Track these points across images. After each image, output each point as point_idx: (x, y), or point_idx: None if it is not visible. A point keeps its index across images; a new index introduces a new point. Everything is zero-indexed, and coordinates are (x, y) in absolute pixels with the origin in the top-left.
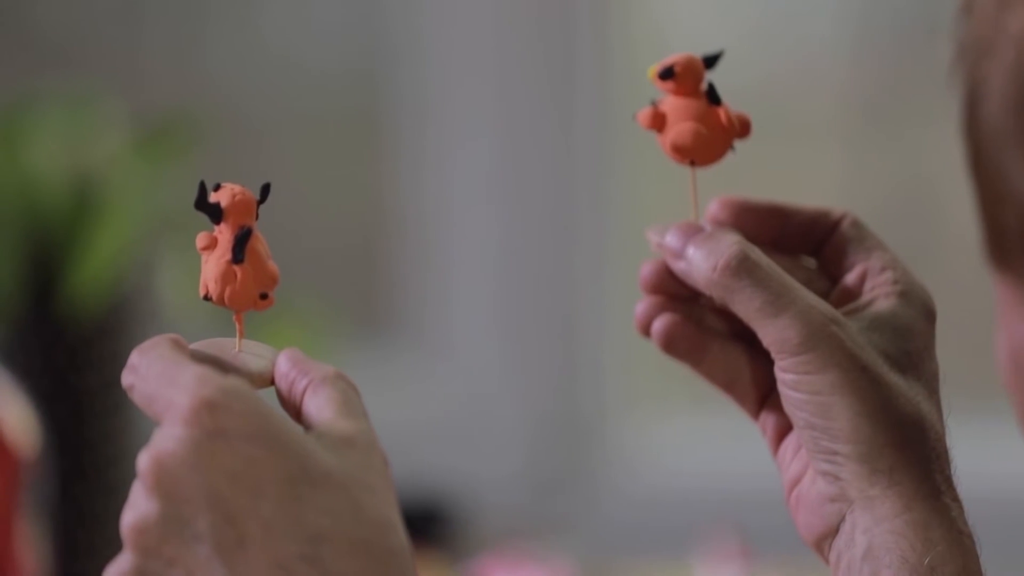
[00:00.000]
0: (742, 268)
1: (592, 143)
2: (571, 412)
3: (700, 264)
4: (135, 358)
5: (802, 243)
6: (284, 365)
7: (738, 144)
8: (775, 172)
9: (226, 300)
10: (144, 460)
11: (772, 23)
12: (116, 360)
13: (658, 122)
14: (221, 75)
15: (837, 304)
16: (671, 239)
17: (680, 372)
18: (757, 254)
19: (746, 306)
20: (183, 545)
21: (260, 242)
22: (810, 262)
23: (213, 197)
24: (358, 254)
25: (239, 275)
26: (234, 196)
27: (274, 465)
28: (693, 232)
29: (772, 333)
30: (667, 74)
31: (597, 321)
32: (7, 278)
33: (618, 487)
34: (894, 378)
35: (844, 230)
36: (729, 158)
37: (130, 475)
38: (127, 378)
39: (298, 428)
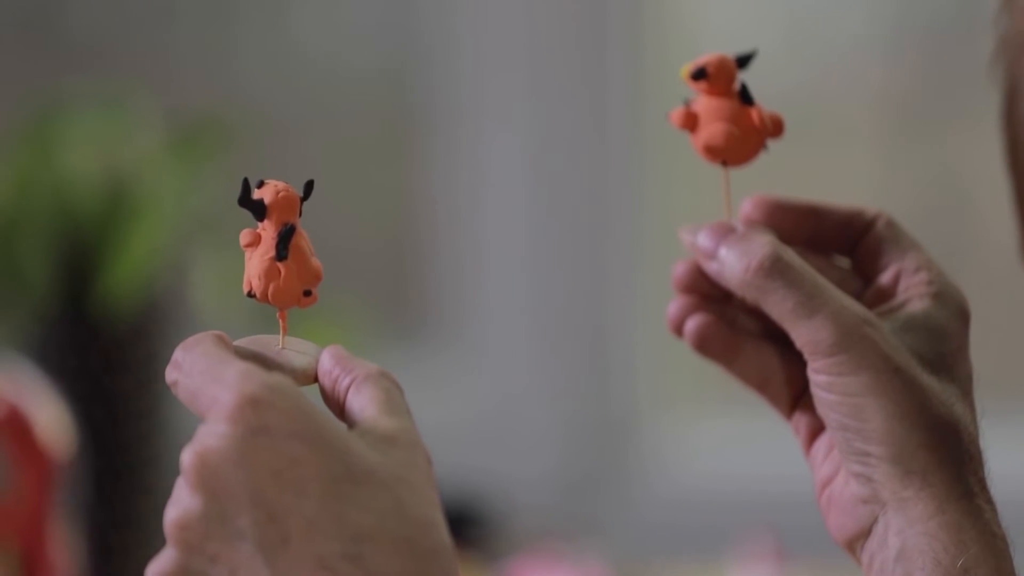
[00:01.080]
0: (775, 269)
1: (624, 143)
2: (604, 413)
3: (733, 265)
4: (179, 354)
5: (836, 243)
6: (327, 362)
7: (771, 145)
8: (809, 173)
9: (270, 297)
10: (187, 456)
11: (805, 24)
12: (150, 361)
13: (691, 122)
14: (254, 76)
15: (871, 305)
16: (703, 240)
17: (713, 373)
18: (790, 255)
19: (779, 307)
20: (226, 542)
21: (304, 239)
22: (844, 262)
23: (257, 194)
24: (391, 255)
25: (283, 272)
26: (278, 193)
27: (317, 463)
28: (725, 233)
29: (805, 334)
30: (700, 74)
31: (630, 321)
32: (41, 279)
33: (651, 488)
34: (928, 380)
35: (879, 230)
36: (762, 158)
37: (164, 476)
38: (171, 374)
39: (341, 426)
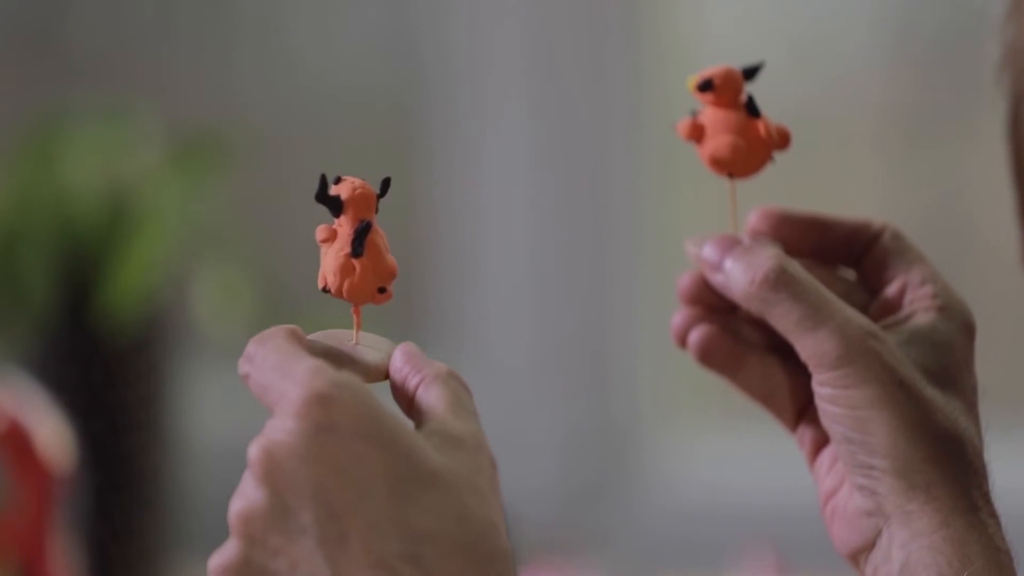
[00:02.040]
0: (780, 281)
1: (627, 154)
2: (605, 425)
3: (738, 277)
4: (252, 347)
5: (842, 255)
6: (399, 360)
7: (777, 156)
8: (813, 186)
9: (344, 293)
10: (254, 450)
11: (809, 37)
12: (151, 374)
13: (697, 133)
14: (254, 89)
15: (876, 317)
16: (709, 252)
17: (714, 385)
18: (795, 267)
19: (784, 319)
20: (288, 536)
21: (379, 236)
22: (849, 274)
23: (334, 190)
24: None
25: (358, 269)
26: (354, 189)
27: (382, 462)
28: (731, 245)
29: (810, 347)
30: (706, 86)
31: (632, 333)
32: (42, 292)
33: (652, 500)
34: (932, 393)
35: (884, 242)
36: (768, 170)
37: (164, 490)
38: (243, 367)
39: (408, 426)
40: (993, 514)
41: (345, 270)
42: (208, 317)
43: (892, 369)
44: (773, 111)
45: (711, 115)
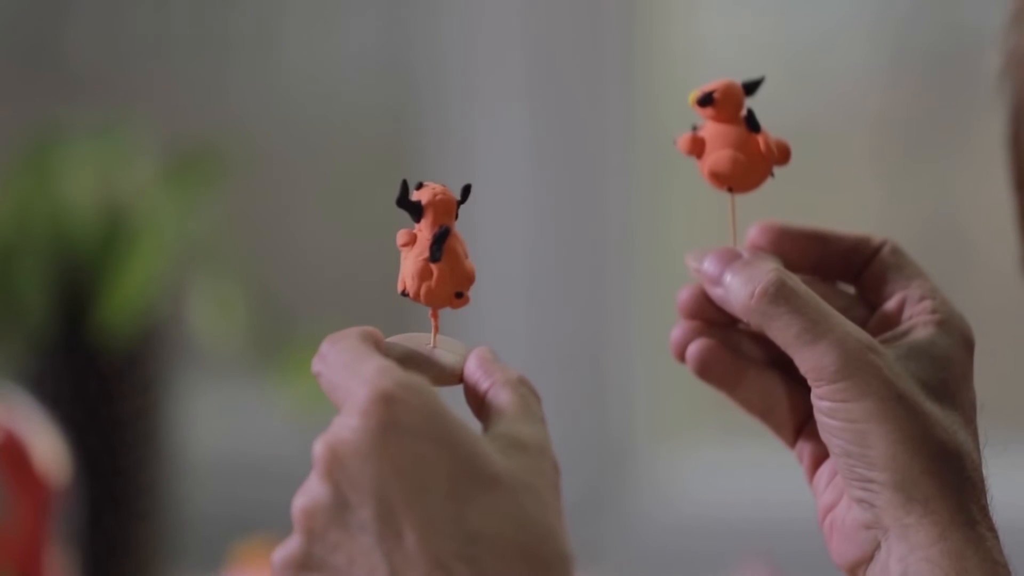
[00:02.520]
0: (779, 295)
1: (624, 165)
2: (601, 438)
3: (738, 291)
4: (325, 347)
5: (841, 269)
6: (472, 364)
7: (777, 171)
8: (812, 199)
9: (422, 297)
10: (319, 446)
11: (808, 51)
12: (146, 388)
13: (697, 148)
14: (249, 104)
15: (875, 332)
16: (708, 265)
17: (711, 398)
18: (794, 281)
19: (783, 333)
20: (347, 532)
21: (458, 241)
22: (848, 289)
23: (415, 196)
24: (386, 287)
25: (436, 273)
26: (435, 195)
27: (442, 463)
28: (731, 259)
29: (809, 360)
30: (707, 100)
31: (627, 347)
32: (38, 307)
33: (648, 514)
34: (931, 407)
35: (884, 257)
36: (768, 184)
37: (160, 503)
38: (316, 365)
39: (473, 429)
40: (991, 528)
41: (423, 274)
42: (203, 331)
43: (891, 383)
44: (773, 125)
45: (711, 129)
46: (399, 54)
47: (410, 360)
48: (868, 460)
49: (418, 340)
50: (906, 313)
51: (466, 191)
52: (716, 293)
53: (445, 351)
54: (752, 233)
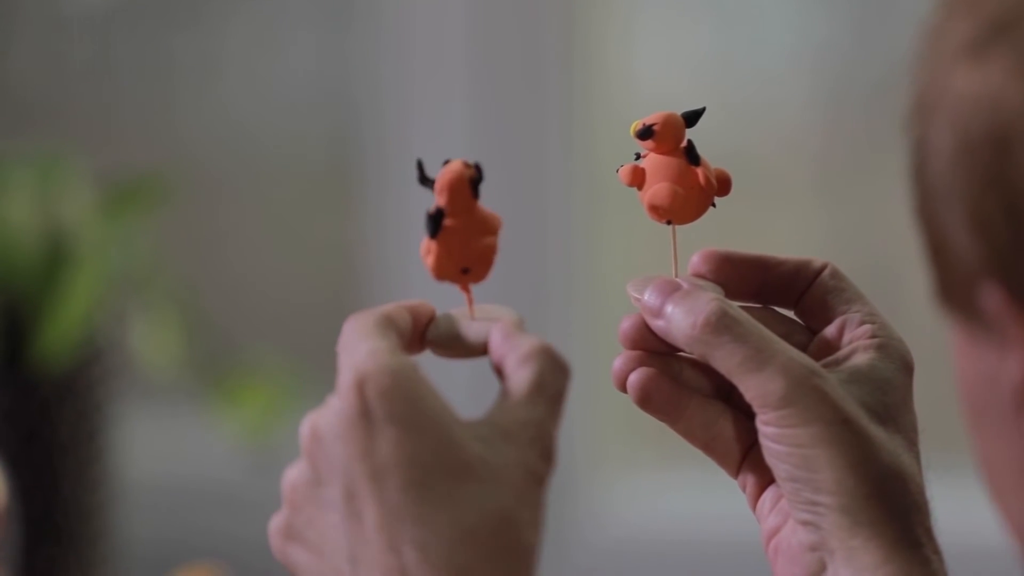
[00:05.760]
0: (721, 324)
1: (563, 195)
2: None
3: (679, 322)
4: (344, 326)
5: (783, 294)
6: (496, 338)
7: (718, 201)
8: (751, 230)
9: (430, 272)
10: (305, 424)
11: (746, 86)
12: (87, 413)
13: (638, 179)
14: (189, 134)
15: (816, 356)
16: (649, 298)
17: (647, 425)
18: (735, 310)
19: (727, 361)
20: (320, 509)
21: (474, 218)
22: (789, 315)
23: (435, 177)
24: (328, 312)
25: (436, 249)
26: (444, 175)
27: (408, 449)
28: (671, 290)
29: (754, 387)
30: (646, 133)
31: None
32: None
33: (587, 539)
34: (876, 430)
35: (824, 280)
36: (709, 214)
37: (103, 527)
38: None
39: (454, 416)
40: (936, 550)
41: (426, 250)
42: (143, 357)
43: (837, 407)
44: (714, 154)
45: (652, 161)
46: (339, 80)
47: (448, 335)
48: (815, 484)
49: (463, 313)
50: (846, 337)
51: (478, 171)
52: (657, 325)
53: (486, 320)
54: (694, 261)
